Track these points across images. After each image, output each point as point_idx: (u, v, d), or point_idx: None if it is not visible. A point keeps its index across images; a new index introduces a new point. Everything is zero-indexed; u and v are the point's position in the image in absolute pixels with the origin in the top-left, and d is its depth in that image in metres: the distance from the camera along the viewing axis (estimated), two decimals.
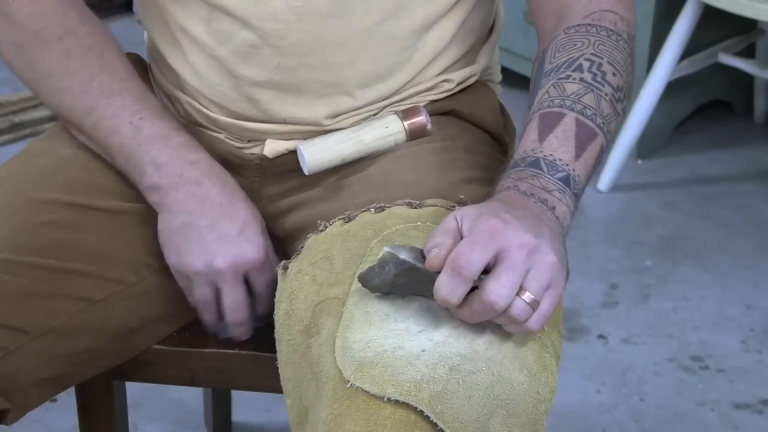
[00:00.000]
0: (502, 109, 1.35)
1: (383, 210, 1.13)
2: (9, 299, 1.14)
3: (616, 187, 2.59)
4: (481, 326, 1.01)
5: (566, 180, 1.08)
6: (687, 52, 2.55)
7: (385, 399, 0.96)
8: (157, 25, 1.26)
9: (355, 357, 0.99)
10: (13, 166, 1.27)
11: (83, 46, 1.21)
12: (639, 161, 2.71)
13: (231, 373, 1.28)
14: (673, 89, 2.62)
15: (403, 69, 1.23)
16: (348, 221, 1.14)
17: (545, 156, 1.08)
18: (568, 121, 1.11)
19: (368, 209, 1.14)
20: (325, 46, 1.19)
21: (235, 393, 1.86)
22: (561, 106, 1.12)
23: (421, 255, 1.00)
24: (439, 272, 0.97)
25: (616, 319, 2.20)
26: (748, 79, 2.81)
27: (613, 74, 1.15)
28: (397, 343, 0.99)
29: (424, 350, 0.98)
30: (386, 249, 0.99)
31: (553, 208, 1.05)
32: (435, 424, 0.96)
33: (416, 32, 1.22)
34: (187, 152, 1.20)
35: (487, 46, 1.31)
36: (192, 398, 1.95)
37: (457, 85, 1.28)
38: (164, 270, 1.23)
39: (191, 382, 1.31)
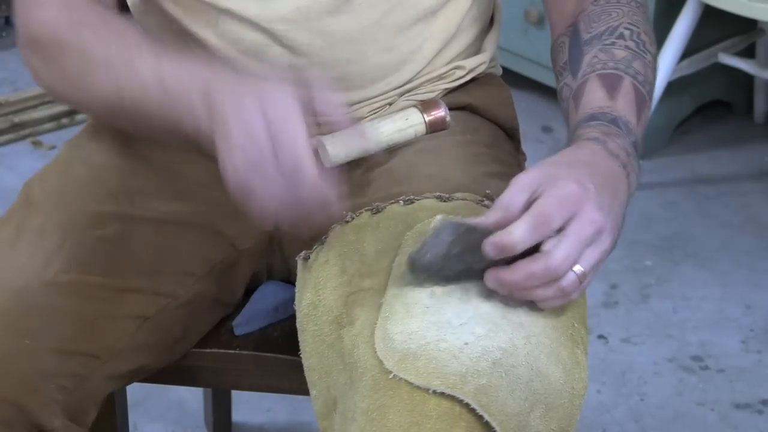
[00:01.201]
0: (514, 105, 1.36)
1: (412, 202, 1.13)
2: (81, 324, 1.13)
3: None
4: (519, 321, 1.02)
5: (635, 145, 1.08)
6: (687, 52, 2.55)
7: (430, 391, 0.96)
8: (160, 29, 1.25)
9: (397, 348, 0.99)
10: (49, 180, 1.25)
11: (93, 29, 1.12)
12: (639, 161, 2.71)
13: (231, 373, 1.28)
14: (673, 89, 2.61)
15: (414, 58, 1.24)
16: (376, 213, 1.14)
17: (621, 116, 1.08)
18: (628, 85, 1.11)
19: (397, 201, 1.14)
20: (335, 43, 1.19)
21: (235, 393, 1.86)
22: (616, 69, 1.12)
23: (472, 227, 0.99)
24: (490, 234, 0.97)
25: (616, 319, 2.20)
26: (748, 79, 2.81)
27: (651, 44, 1.16)
28: (440, 335, 0.99)
29: (466, 343, 0.98)
30: (439, 217, 0.98)
31: (628, 175, 1.06)
32: (479, 417, 0.96)
33: (422, 20, 1.22)
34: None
35: (491, 35, 1.31)
36: (192, 398, 1.95)
37: (469, 72, 1.28)
38: (206, 278, 1.23)
39: (191, 382, 1.31)
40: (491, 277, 1.00)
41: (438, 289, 1.03)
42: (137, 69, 1.07)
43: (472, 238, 0.99)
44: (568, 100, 1.15)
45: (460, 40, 1.27)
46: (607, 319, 2.20)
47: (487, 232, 0.98)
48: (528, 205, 0.98)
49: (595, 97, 1.10)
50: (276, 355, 1.25)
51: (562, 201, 0.97)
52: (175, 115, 1.05)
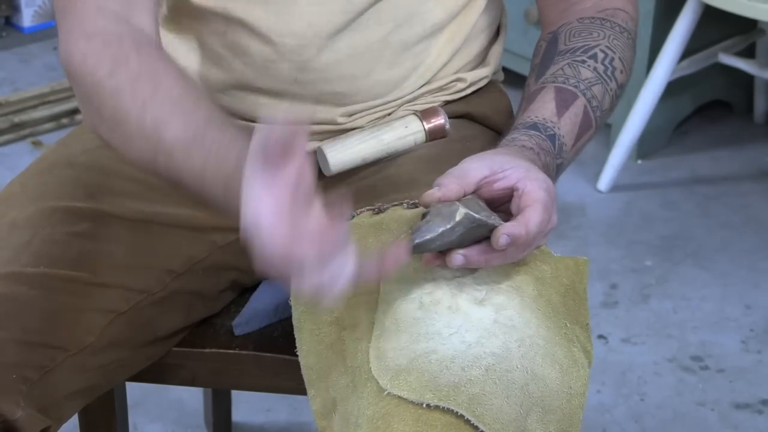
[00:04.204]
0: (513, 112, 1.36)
1: (416, 206, 1.13)
2: (47, 316, 1.14)
3: (616, 187, 2.59)
4: (511, 324, 1.02)
5: (560, 168, 1.13)
6: (687, 52, 2.55)
7: (423, 405, 0.96)
8: (168, 35, 1.25)
9: (389, 365, 0.99)
10: (30, 177, 1.26)
11: (132, 77, 1.06)
12: (639, 161, 2.71)
13: (231, 373, 1.28)
14: (673, 89, 2.61)
15: (418, 71, 1.24)
16: (378, 213, 1.14)
17: (560, 135, 1.12)
18: (579, 105, 1.14)
19: (401, 204, 1.14)
20: (341, 59, 1.19)
21: (235, 393, 1.86)
22: (576, 87, 1.15)
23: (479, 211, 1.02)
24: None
25: (616, 319, 2.20)
26: (748, 79, 2.81)
27: (621, 71, 1.18)
28: (431, 347, 0.99)
29: (457, 353, 0.99)
30: (464, 212, 0.99)
31: None
32: None
33: (428, 37, 1.22)
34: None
35: (496, 47, 1.31)
36: (192, 398, 1.94)
37: (470, 85, 1.28)
38: (185, 275, 1.23)
39: (191, 382, 1.31)
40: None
41: (426, 299, 1.03)
42: (168, 145, 1.02)
43: (476, 230, 1.00)
44: (523, 98, 1.19)
45: (465, 52, 1.27)
46: (607, 319, 2.20)
47: (493, 227, 1.01)
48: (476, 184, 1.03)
49: (544, 107, 1.13)
50: (276, 355, 1.25)
51: (551, 197, 1.02)
52: (203, 194, 1.02)
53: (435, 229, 1.00)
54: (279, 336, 1.27)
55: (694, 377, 2.06)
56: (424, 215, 1.03)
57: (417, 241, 1.00)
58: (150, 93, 1.04)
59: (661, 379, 2.05)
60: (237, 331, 1.28)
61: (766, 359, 2.10)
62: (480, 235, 1.01)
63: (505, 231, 0.99)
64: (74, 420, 1.35)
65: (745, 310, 2.23)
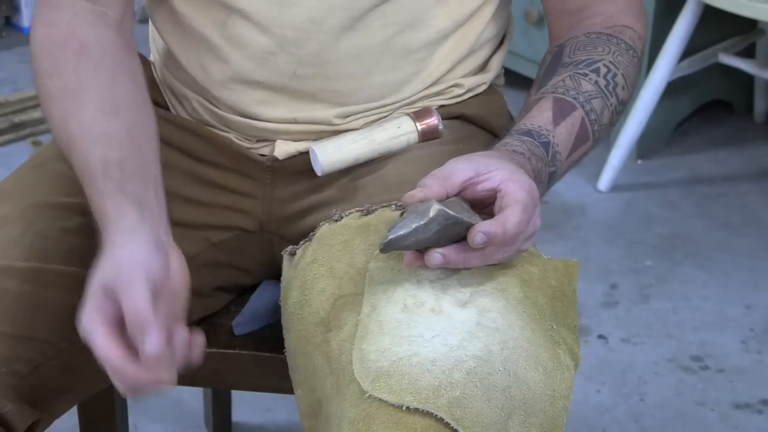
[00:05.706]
0: (510, 114, 1.36)
1: (404, 208, 1.13)
2: (38, 311, 1.14)
3: (616, 187, 2.60)
4: (495, 326, 1.01)
5: (552, 176, 1.12)
6: (687, 52, 2.55)
7: (404, 408, 0.96)
8: (169, 26, 1.25)
9: (371, 368, 0.99)
10: (25, 173, 1.27)
11: (62, 87, 1.13)
12: (639, 161, 2.72)
13: (231, 373, 1.28)
14: (673, 89, 2.62)
15: (419, 77, 1.23)
16: (366, 214, 1.14)
17: (554, 144, 1.12)
18: (577, 117, 1.14)
19: (389, 205, 1.14)
20: (342, 58, 1.19)
21: (235, 393, 1.86)
22: (575, 98, 1.15)
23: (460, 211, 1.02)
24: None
25: (616, 319, 2.20)
26: (748, 79, 2.81)
27: (623, 88, 1.19)
28: (413, 350, 0.99)
29: (439, 355, 0.98)
30: (437, 207, 0.99)
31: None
32: None
33: (432, 44, 1.22)
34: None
35: (498, 55, 1.30)
36: (192, 398, 1.95)
37: (467, 91, 1.28)
38: None
39: (191, 382, 1.31)
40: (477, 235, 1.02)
41: (410, 301, 1.03)
42: (75, 168, 1.10)
43: (453, 228, 1.00)
44: (523, 108, 1.19)
45: (469, 62, 1.26)
46: (607, 319, 2.20)
47: (470, 225, 1.00)
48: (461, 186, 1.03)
49: (541, 116, 1.14)
50: (276, 355, 1.25)
51: (533, 200, 1.02)
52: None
53: (409, 225, 0.99)
54: (279, 336, 1.27)
55: (694, 377, 2.06)
56: (401, 214, 1.03)
57: (390, 237, 1.00)
58: (72, 111, 1.11)
59: (661, 379, 2.05)
60: (237, 331, 1.28)
61: (766, 359, 2.10)
62: (458, 234, 1.01)
63: (481, 229, 0.99)
64: (74, 420, 1.35)
65: (745, 310, 2.23)
